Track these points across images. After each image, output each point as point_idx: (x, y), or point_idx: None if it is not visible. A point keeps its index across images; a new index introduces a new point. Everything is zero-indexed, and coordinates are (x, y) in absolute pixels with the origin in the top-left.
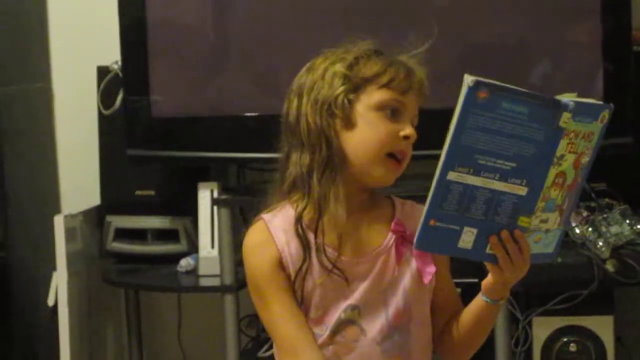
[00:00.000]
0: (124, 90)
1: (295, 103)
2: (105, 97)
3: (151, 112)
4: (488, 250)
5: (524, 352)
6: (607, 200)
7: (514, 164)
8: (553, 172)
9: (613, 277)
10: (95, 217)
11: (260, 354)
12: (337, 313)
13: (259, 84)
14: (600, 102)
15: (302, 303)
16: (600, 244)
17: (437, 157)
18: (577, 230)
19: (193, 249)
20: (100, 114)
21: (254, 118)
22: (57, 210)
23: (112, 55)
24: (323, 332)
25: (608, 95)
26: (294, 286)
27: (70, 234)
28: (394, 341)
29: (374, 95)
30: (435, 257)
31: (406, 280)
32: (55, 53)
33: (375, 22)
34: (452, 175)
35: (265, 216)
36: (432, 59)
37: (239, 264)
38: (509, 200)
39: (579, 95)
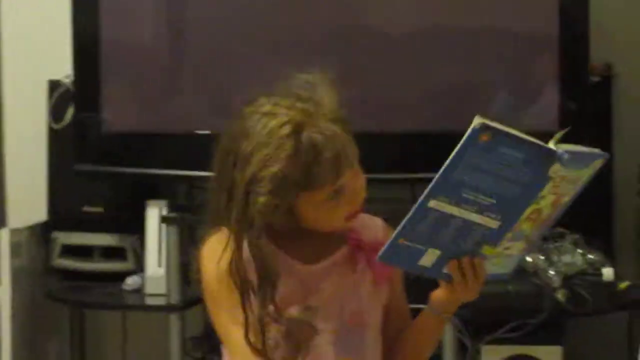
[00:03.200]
0: (75, 105)
1: (228, 169)
2: (56, 111)
3: (101, 127)
4: (445, 270)
5: None
6: (559, 229)
7: (494, 201)
8: (530, 209)
9: (563, 307)
10: (42, 233)
11: None
12: (291, 315)
13: (211, 103)
14: (597, 151)
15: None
16: (552, 272)
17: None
18: (529, 259)
19: (140, 267)
20: (49, 128)
21: (205, 136)
22: (3, 224)
23: (64, 69)
24: (276, 333)
25: (564, 124)
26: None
27: (15, 248)
28: (349, 342)
29: (311, 199)
30: (391, 271)
31: (362, 287)
32: (7, 65)
33: (328, 48)
34: (432, 203)
35: (217, 240)
36: (393, 89)
37: (186, 283)
38: (478, 230)
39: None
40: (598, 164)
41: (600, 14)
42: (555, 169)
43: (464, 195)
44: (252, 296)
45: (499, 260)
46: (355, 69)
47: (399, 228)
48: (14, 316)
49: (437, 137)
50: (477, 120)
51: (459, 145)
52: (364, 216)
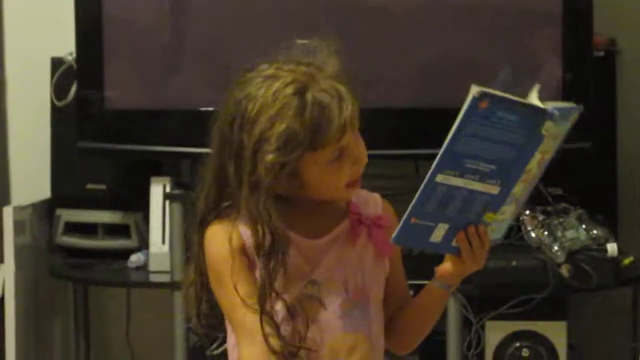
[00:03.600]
0: (78, 82)
1: (232, 164)
2: (59, 88)
3: (104, 104)
4: (454, 244)
5: (476, 355)
6: (563, 204)
7: (493, 167)
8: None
9: (567, 282)
10: (46, 210)
11: (209, 352)
12: (297, 289)
13: (214, 79)
14: (572, 105)
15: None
16: (556, 248)
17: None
18: (533, 234)
19: (144, 244)
20: (53, 105)
21: (208, 113)
22: (7, 202)
23: (66, 46)
24: (282, 308)
25: (567, 99)
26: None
27: (19, 226)
28: (354, 316)
29: (315, 160)
30: (392, 245)
31: (364, 261)
32: (9, 42)
33: (329, 24)
34: (439, 178)
35: (227, 219)
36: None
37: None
38: (481, 198)
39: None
40: (575, 117)
41: None
42: (547, 127)
43: (467, 165)
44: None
45: (493, 226)
46: (357, 44)
47: (410, 207)
48: (18, 294)
49: (439, 113)
50: (474, 89)
51: (460, 117)
52: (362, 191)
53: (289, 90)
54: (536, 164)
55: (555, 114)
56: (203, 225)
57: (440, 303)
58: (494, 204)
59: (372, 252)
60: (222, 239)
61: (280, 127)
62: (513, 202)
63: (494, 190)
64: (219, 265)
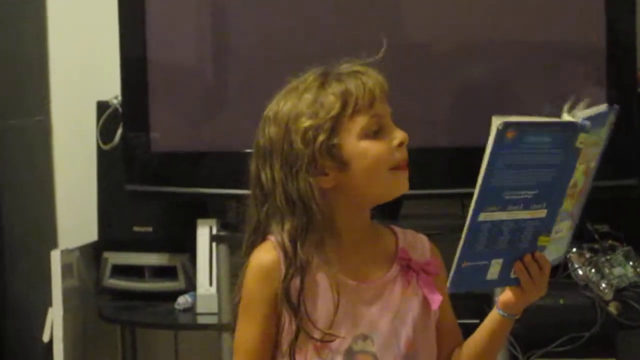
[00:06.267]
0: (124, 125)
1: (267, 167)
2: (105, 132)
3: (150, 147)
4: (512, 275)
5: None
6: (610, 242)
7: (535, 191)
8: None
9: (616, 320)
10: (92, 253)
11: None
12: (346, 342)
13: (257, 121)
14: (604, 108)
15: (302, 325)
16: (603, 285)
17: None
18: (580, 272)
19: (191, 286)
20: (99, 149)
21: None
22: (54, 245)
23: (112, 90)
24: (328, 358)
25: (612, 138)
26: (298, 307)
27: (66, 269)
28: None
29: (350, 128)
30: (438, 286)
31: (414, 309)
32: (55, 87)
33: (372, 64)
34: (482, 217)
35: (275, 239)
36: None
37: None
38: (530, 225)
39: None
40: (612, 118)
41: None
42: (581, 139)
43: (507, 197)
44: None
45: (553, 246)
46: (401, 84)
47: (458, 252)
48: (66, 337)
49: (484, 151)
50: (496, 121)
51: (488, 152)
52: (409, 232)
53: (311, 76)
54: (581, 175)
55: (587, 125)
56: (246, 254)
57: (504, 332)
58: (544, 227)
59: (420, 300)
60: (263, 280)
61: (309, 99)
62: (567, 218)
63: (541, 214)
64: (252, 303)
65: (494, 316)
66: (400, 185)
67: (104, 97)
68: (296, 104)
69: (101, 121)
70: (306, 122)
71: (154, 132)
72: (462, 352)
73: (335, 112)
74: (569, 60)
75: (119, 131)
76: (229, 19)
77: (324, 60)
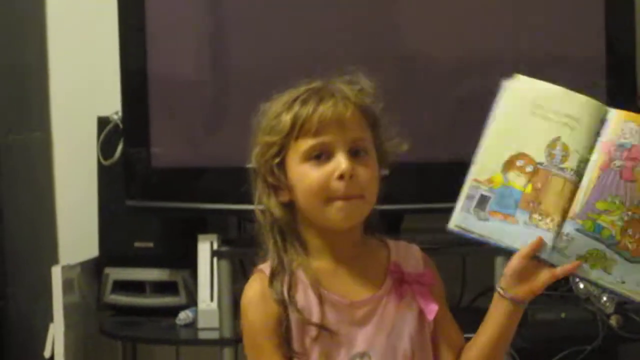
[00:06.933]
0: (124, 141)
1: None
2: (105, 147)
3: (151, 162)
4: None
5: None
6: None
7: None
8: None
9: (617, 333)
10: (94, 269)
11: None
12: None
13: None
14: None
15: (303, 355)
16: (605, 299)
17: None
18: (581, 285)
19: (192, 301)
20: (99, 164)
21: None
22: (55, 261)
23: (112, 105)
24: None
25: None
26: (291, 341)
27: (67, 285)
28: None
29: (295, 151)
30: (433, 296)
31: (410, 323)
32: (56, 103)
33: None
34: None
35: (264, 267)
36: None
37: (238, 317)
38: None
39: None
40: None
41: None
42: None
43: None
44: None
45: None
46: (402, 99)
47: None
48: (68, 353)
49: None
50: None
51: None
52: (401, 244)
53: (293, 92)
54: None
55: None
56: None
57: (513, 322)
58: None
59: (416, 313)
60: (259, 308)
61: (272, 115)
62: None
63: None
64: (255, 335)
65: (500, 308)
66: (334, 217)
67: (105, 113)
68: (265, 118)
69: (102, 137)
70: (262, 137)
71: (154, 148)
72: (471, 353)
73: (285, 132)
74: (568, 73)
75: (120, 147)
76: (229, 36)
77: (324, 76)
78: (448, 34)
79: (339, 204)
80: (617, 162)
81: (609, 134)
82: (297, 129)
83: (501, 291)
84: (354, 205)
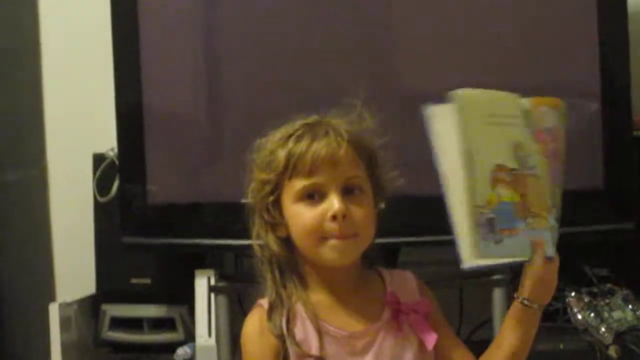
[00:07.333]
0: (120, 178)
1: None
2: (101, 184)
3: (147, 199)
4: None
5: None
6: (609, 285)
7: None
8: None
9: None
10: (91, 306)
11: None
12: None
13: None
14: None
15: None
16: (603, 329)
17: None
18: (579, 316)
19: (190, 337)
20: (95, 201)
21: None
22: (52, 298)
23: (108, 142)
24: None
25: (609, 181)
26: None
27: (65, 322)
28: None
29: (289, 189)
30: (433, 319)
31: (409, 353)
32: (51, 140)
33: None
34: None
35: (263, 302)
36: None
37: (236, 352)
38: None
39: None
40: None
41: None
42: None
43: None
44: None
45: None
46: (399, 133)
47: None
48: None
49: None
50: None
51: None
52: (395, 272)
53: (289, 128)
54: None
55: None
56: None
57: (532, 324)
58: None
59: (416, 341)
60: (259, 343)
61: (267, 151)
62: None
63: None
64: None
65: (517, 313)
66: (328, 256)
67: (100, 149)
68: (260, 153)
69: (98, 173)
70: (258, 174)
71: (150, 184)
72: None
73: (279, 171)
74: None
75: (116, 183)
76: (225, 71)
77: (321, 111)
78: (443, 67)
79: (332, 242)
80: (550, 146)
81: (536, 123)
82: (291, 169)
83: (526, 302)
84: (348, 244)
